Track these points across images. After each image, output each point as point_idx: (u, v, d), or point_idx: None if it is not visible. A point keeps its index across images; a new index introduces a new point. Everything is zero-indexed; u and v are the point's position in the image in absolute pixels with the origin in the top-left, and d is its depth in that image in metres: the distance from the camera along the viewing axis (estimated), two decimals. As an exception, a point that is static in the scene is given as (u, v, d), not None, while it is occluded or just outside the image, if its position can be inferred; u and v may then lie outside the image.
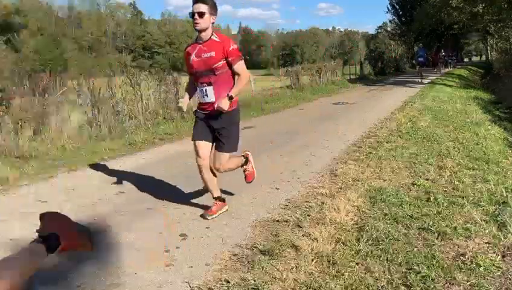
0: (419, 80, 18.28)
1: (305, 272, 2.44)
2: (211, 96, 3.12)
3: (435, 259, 2.56)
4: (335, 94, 14.48)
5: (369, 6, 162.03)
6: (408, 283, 2.32)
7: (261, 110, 10.26)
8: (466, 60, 62.96)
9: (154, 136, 6.89)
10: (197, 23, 3.00)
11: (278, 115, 9.70)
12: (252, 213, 3.44)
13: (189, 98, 3.42)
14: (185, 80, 10.40)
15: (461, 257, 2.61)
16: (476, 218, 3.18)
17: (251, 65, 75.24)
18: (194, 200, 3.79)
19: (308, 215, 3.32)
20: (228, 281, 2.38)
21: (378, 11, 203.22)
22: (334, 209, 3.38)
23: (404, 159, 4.99)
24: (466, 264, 2.53)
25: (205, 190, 3.62)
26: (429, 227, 3.02)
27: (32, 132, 6.09)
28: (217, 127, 3.22)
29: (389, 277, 2.40)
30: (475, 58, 77.81)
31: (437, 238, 2.86)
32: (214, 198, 3.36)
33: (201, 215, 3.37)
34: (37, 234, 0.93)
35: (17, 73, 6.38)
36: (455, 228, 3.03)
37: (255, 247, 2.80)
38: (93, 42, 79.67)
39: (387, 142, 5.98)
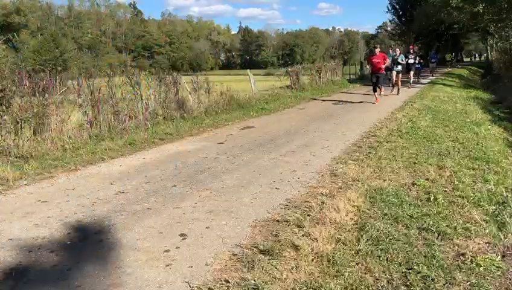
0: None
1: (305, 272, 2.44)
2: None
3: (435, 259, 2.56)
4: (335, 94, 14.47)
5: (369, 6, 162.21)
6: (408, 283, 2.32)
7: (261, 110, 10.26)
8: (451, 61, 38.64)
9: (154, 136, 6.89)
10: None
11: (278, 115, 9.70)
12: (252, 213, 3.44)
13: None
14: (185, 79, 10.41)
15: (461, 257, 2.62)
16: (476, 218, 3.19)
17: (251, 65, 75.39)
18: (194, 200, 3.79)
19: (308, 215, 3.32)
20: (228, 281, 2.38)
21: (378, 11, 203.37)
22: (334, 209, 3.38)
23: (404, 159, 4.99)
24: (466, 264, 2.53)
25: None
26: (429, 227, 3.02)
27: (32, 131, 6.08)
28: None
29: (389, 277, 2.40)
30: (467, 60, 70.31)
31: (437, 238, 2.87)
32: None
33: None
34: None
35: (17, 73, 6.34)
36: (455, 228, 3.03)
37: (255, 247, 2.80)
38: (93, 42, 79.73)
39: (387, 142, 5.98)
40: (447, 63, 34.96)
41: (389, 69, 13.44)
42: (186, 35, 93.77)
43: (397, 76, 13.91)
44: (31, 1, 76.99)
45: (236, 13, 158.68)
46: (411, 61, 16.37)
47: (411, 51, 17.22)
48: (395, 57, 14.09)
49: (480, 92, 15.50)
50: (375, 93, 11.61)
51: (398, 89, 13.69)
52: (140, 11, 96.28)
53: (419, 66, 19.10)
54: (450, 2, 18.94)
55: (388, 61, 11.75)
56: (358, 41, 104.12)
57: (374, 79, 11.58)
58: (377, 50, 11.60)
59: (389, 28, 57.33)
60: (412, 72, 16.61)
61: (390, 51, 15.16)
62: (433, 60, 24.24)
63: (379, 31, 77.61)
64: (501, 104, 11.82)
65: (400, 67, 14.13)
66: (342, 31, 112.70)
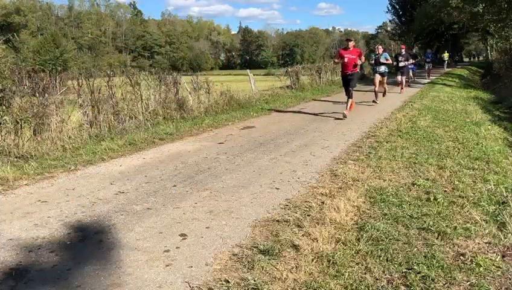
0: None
1: (305, 272, 2.44)
2: None
3: (435, 259, 2.56)
4: (335, 94, 14.47)
5: (369, 6, 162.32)
6: (408, 283, 2.32)
7: (261, 110, 10.26)
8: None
9: (154, 136, 6.89)
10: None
11: (277, 115, 9.69)
12: (252, 213, 3.44)
13: None
14: (184, 79, 10.42)
15: (461, 257, 2.62)
16: (476, 218, 3.19)
17: (251, 65, 75.40)
18: (194, 200, 3.79)
19: (308, 215, 3.32)
20: (228, 281, 2.38)
21: (378, 11, 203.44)
22: (334, 209, 3.38)
23: (404, 159, 4.99)
24: (466, 264, 2.53)
25: None
26: (429, 227, 3.02)
27: (32, 131, 6.08)
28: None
29: (389, 276, 2.40)
30: (466, 60, 64.62)
31: (437, 238, 2.87)
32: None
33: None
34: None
35: (17, 73, 6.35)
36: (455, 228, 3.03)
37: (255, 247, 2.80)
38: (93, 42, 79.76)
39: (387, 142, 5.98)
40: (444, 62, 31.23)
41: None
42: (186, 35, 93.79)
43: (381, 79, 11.48)
44: (31, 1, 77.02)
45: (236, 13, 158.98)
46: (402, 64, 14.12)
47: (402, 51, 14.83)
48: (377, 56, 11.64)
49: (480, 92, 15.51)
50: (349, 101, 8.87)
51: (376, 96, 11.20)
52: (140, 11, 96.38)
53: (414, 67, 17.17)
54: (450, 2, 18.97)
55: (364, 59, 9.33)
56: (359, 41, 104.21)
57: (346, 82, 9.00)
58: (351, 43, 9.02)
59: (389, 28, 57.45)
60: (402, 77, 14.16)
61: (377, 48, 12.39)
62: (428, 60, 22.04)
63: (379, 31, 77.78)
64: (501, 104, 11.83)
65: (383, 69, 11.56)
66: (342, 31, 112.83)
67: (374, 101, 11.10)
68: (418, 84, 17.60)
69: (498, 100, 12.88)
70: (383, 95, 11.65)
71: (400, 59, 14.27)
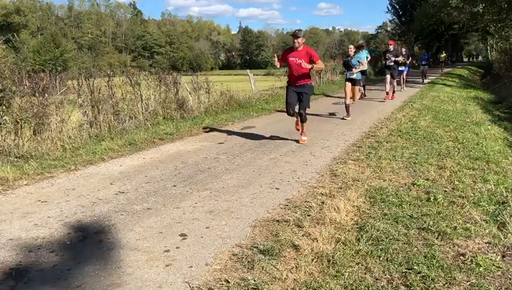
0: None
1: (305, 272, 2.44)
2: None
3: (435, 259, 2.56)
4: (335, 94, 14.47)
5: (369, 6, 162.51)
6: (408, 283, 2.32)
7: (261, 110, 10.26)
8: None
9: (154, 136, 6.89)
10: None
11: (278, 115, 9.69)
12: (252, 213, 3.44)
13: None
14: (185, 79, 10.42)
15: (461, 257, 2.62)
16: (476, 218, 3.19)
17: (251, 65, 75.33)
18: (194, 200, 3.79)
19: (308, 215, 3.32)
20: (228, 281, 2.38)
21: (378, 11, 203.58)
22: (334, 209, 3.38)
23: (404, 159, 4.99)
24: (466, 264, 2.53)
25: None
26: (429, 227, 3.03)
27: (32, 131, 6.08)
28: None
29: (389, 276, 2.40)
30: (465, 60, 64.07)
31: (437, 238, 2.87)
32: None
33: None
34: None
35: (17, 73, 6.35)
36: (455, 228, 3.04)
37: (255, 247, 2.80)
38: (93, 42, 79.76)
39: (387, 142, 5.99)
40: (441, 63, 29.39)
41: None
42: (186, 35, 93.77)
43: (352, 88, 8.96)
44: (31, 1, 77.04)
45: (236, 13, 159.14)
46: (390, 62, 11.95)
47: (390, 48, 12.32)
48: (348, 60, 9.12)
49: (480, 92, 15.52)
50: (298, 126, 6.53)
51: (347, 110, 8.60)
52: (140, 11, 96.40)
53: (407, 68, 14.78)
54: (450, 2, 18.99)
55: (321, 64, 6.08)
56: (358, 41, 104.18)
57: (291, 96, 6.11)
58: (299, 40, 5.83)
59: (389, 28, 57.47)
60: (388, 78, 11.82)
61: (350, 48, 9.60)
62: (423, 62, 19.71)
63: (379, 31, 77.72)
64: (501, 104, 11.83)
65: (355, 75, 8.97)
66: (342, 31, 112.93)
67: (343, 118, 8.53)
68: (418, 85, 17.60)
69: (498, 100, 12.88)
70: (346, 116, 8.60)
71: (387, 56, 12.07)
